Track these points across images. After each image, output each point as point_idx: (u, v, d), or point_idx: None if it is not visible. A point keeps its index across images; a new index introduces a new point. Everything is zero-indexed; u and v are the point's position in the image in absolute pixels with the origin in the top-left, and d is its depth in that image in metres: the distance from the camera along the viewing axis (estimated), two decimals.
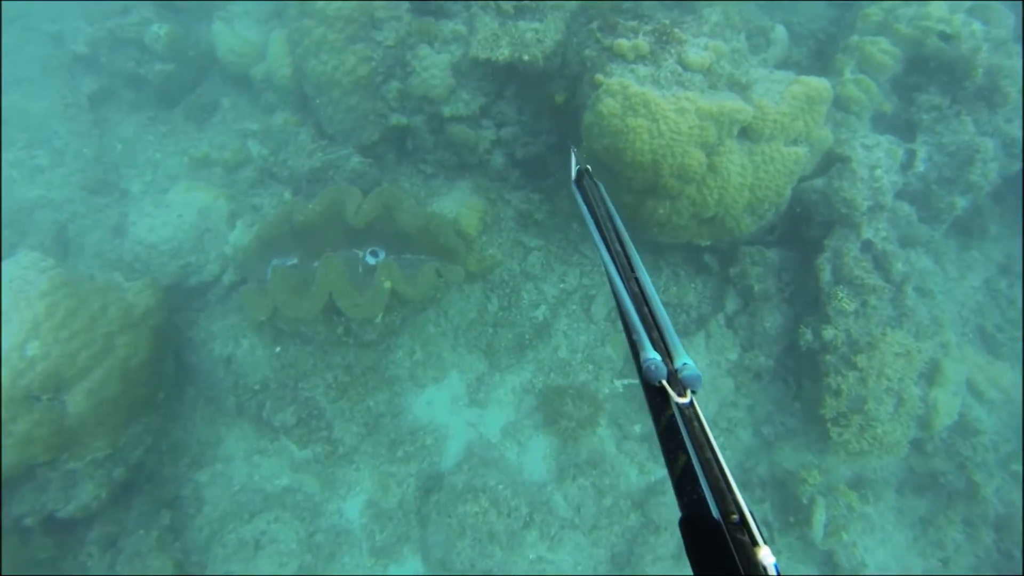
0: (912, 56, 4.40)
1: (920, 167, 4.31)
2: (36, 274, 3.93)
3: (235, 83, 5.89)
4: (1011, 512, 4.20)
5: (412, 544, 4.46)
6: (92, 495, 3.96)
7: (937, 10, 4.28)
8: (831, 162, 4.22)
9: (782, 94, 3.98)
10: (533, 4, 4.63)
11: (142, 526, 4.16)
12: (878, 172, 4.05)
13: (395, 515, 4.53)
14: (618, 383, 4.96)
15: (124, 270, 4.89)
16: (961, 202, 4.39)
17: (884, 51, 4.38)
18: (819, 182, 4.19)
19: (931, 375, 4.18)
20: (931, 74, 4.39)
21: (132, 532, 4.10)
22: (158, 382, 4.42)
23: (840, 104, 4.45)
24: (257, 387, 4.86)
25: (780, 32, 4.99)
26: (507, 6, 4.53)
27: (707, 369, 4.59)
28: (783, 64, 5.03)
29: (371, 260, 4.84)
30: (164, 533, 4.14)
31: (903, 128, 4.49)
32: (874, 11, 4.60)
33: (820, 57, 4.98)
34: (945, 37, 4.08)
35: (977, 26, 4.13)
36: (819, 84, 3.95)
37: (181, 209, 5.05)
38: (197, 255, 5.10)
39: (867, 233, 4.09)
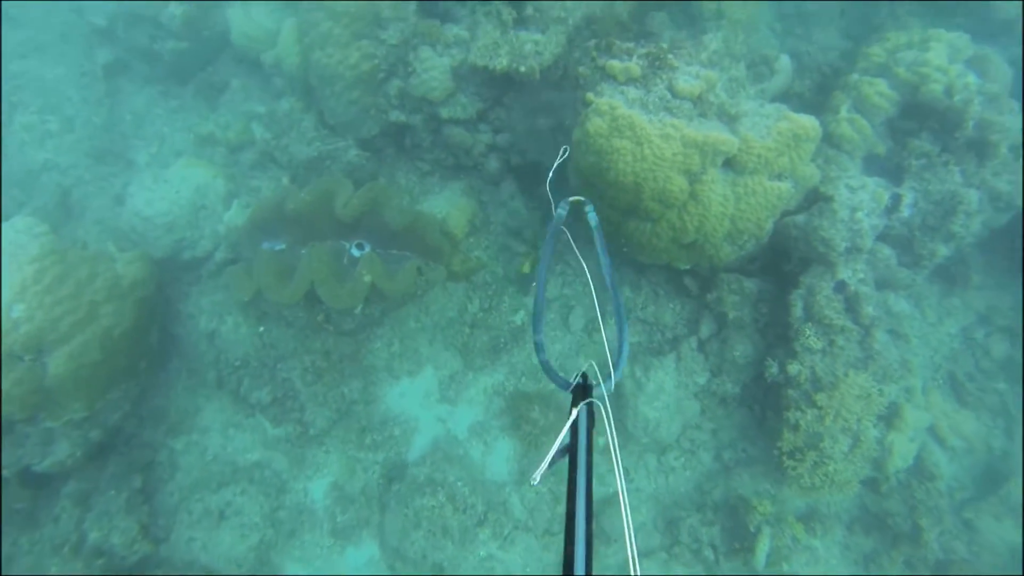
0: (908, 101, 4.39)
1: (905, 212, 4.31)
2: (29, 239, 4.08)
3: (246, 65, 5.98)
4: (949, 559, 4.23)
5: (371, 529, 4.59)
6: (67, 453, 4.13)
7: (936, 58, 4.26)
8: (815, 199, 4.23)
9: (769, 129, 4.00)
10: (537, 15, 4.67)
11: (114, 487, 4.33)
12: (859, 215, 4.06)
13: (358, 500, 4.66)
14: None
15: (119, 240, 5.03)
16: (943, 250, 4.38)
17: (881, 93, 4.37)
18: (800, 218, 4.21)
19: (891, 419, 4.21)
20: (924, 120, 4.37)
21: (104, 492, 4.27)
22: (140, 352, 4.57)
23: (832, 141, 4.46)
24: (238, 363, 4.99)
25: (784, 63, 4.98)
26: (507, 16, 4.57)
27: (674, 391, 4.65)
28: (784, 95, 5.02)
29: (356, 252, 4.93)
30: (134, 495, 4.31)
31: (894, 171, 4.48)
32: (876, 51, 4.58)
33: (823, 91, 4.97)
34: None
35: (972, 78, 4.10)
36: (807, 123, 3.96)
37: (179, 185, 5.18)
38: (192, 231, 5.22)
39: (842, 274, 4.11)
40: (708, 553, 4.35)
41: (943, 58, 4.25)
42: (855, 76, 4.63)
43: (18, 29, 5.66)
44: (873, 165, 4.55)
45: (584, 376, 1.78)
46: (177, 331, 5.11)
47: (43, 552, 4.09)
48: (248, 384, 4.89)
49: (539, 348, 2.05)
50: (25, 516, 4.17)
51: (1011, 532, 4.25)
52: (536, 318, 2.12)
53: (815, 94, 5.04)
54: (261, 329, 5.08)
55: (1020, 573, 4.13)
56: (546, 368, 1.95)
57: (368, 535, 4.50)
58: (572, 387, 1.83)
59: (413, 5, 5.01)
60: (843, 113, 4.49)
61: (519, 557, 4.40)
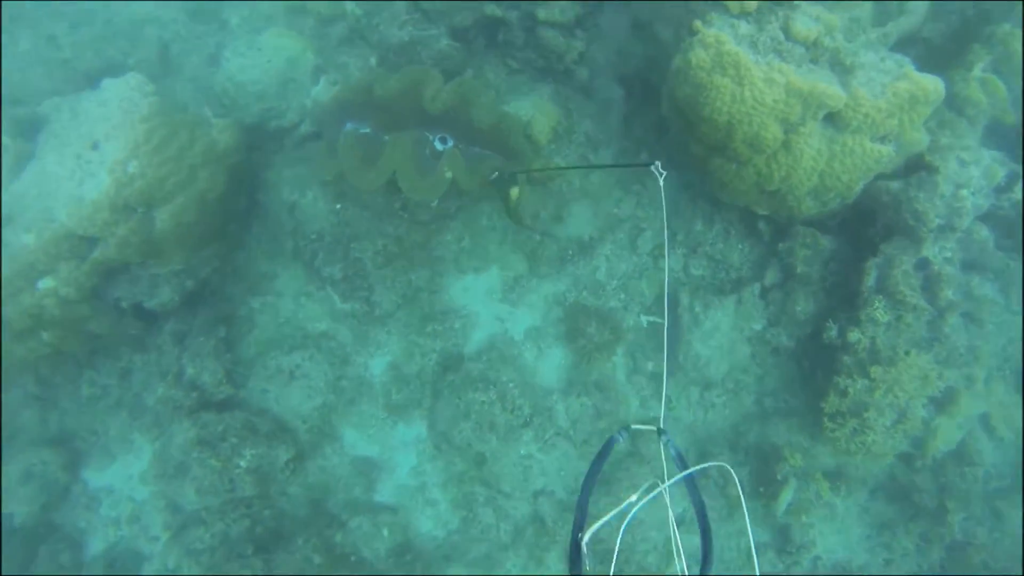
0: None
1: (1018, 194, 4.33)
2: (140, 97, 4.68)
3: None
4: (968, 543, 4.69)
5: (422, 410, 5.38)
6: (168, 297, 4.98)
7: None
8: (917, 167, 4.29)
9: (885, 87, 4.02)
10: None
11: (203, 333, 5.21)
12: (963, 192, 4.13)
13: (413, 381, 5.42)
14: (644, 319, 5.50)
15: (213, 103, 5.57)
16: None
17: None
18: (895, 185, 4.31)
19: (944, 403, 4.50)
20: None
21: (196, 336, 5.17)
22: (230, 215, 5.27)
23: (954, 103, 4.41)
24: (314, 236, 5.64)
25: (919, 2, 4.76)
26: None
27: (729, 332, 5.05)
28: (910, 38, 4.84)
29: (439, 146, 5.32)
30: (219, 343, 5.19)
31: (1018, 145, 4.43)
32: None
33: (958, 39, 4.76)
34: None
35: None
36: (930, 85, 3.96)
37: (272, 55, 5.59)
38: (280, 101, 5.70)
39: (929, 251, 4.26)
40: (732, 490, 4.95)
41: None
42: (1006, 27, 4.45)
43: None
44: (995, 135, 4.49)
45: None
46: (260, 198, 5.76)
47: (152, 373, 5.20)
48: (322, 258, 5.54)
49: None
50: (137, 341, 5.22)
51: None
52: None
53: (947, 41, 4.83)
54: (338, 206, 5.65)
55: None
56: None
57: (419, 416, 5.29)
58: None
59: None
60: (976, 71, 4.39)
61: (556, 462, 5.13)
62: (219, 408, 5.05)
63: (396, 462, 5.31)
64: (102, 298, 4.78)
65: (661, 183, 3.29)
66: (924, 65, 4.64)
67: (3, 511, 5.08)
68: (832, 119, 4.11)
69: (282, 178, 5.72)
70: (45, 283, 4.40)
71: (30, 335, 4.56)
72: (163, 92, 5.06)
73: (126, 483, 5.31)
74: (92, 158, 4.40)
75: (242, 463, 4.84)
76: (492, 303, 5.61)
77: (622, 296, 5.52)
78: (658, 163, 3.27)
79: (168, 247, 4.75)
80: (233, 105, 5.64)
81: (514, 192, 5.02)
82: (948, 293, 4.24)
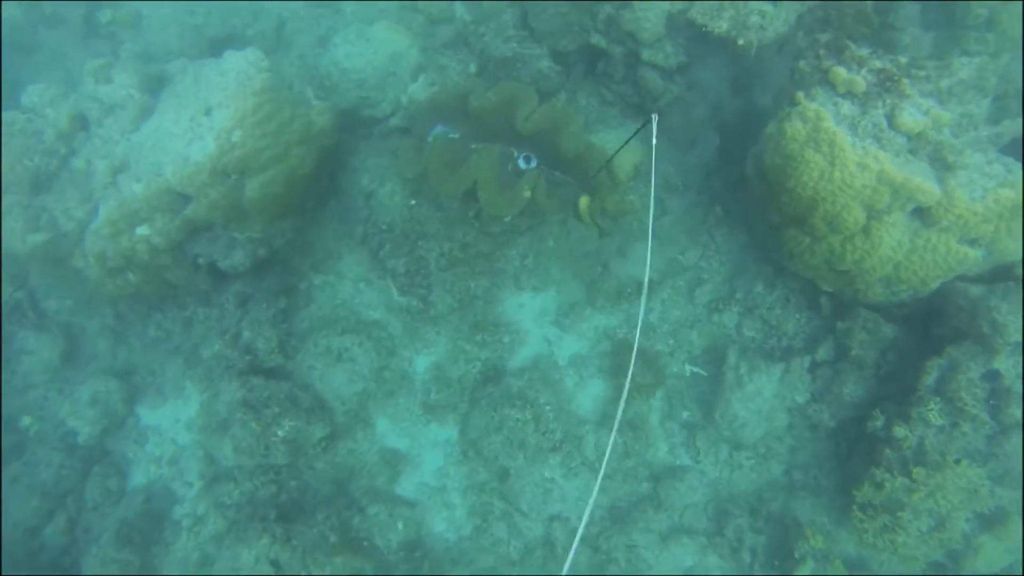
0: None
1: None
2: (255, 71, 4.94)
3: None
4: None
5: (456, 415, 5.53)
6: (240, 260, 5.23)
7: None
8: (1005, 276, 4.22)
9: (987, 190, 3.98)
10: None
11: (265, 300, 5.47)
12: None
13: (453, 385, 5.57)
14: (688, 368, 5.54)
15: (315, 83, 5.83)
16: None
17: None
18: (976, 290, 4.25)
19: (992, 522, 4.39)
20: None
21: (258, 302, 5.43)
22: (312, 193, 5.52)
23: None
24: (384, 227, 5.84)
25: None
26: None
27: (770, 399, 5.05)
28: None
29: (522, 164, 5.45)
30: (278, 313, 5.44)
31: None
32: None
33: None
34: None
35: None
36: None
37: (379, 47, 5.82)
38: (377, 92, 5.92)
39: (1000, 364, 4.18)
40: (746, 556, 4.96)
41: None
42: None
43: None
44: None
45: None
46: (340, 180, 5.99)
47: (211, 328, 5.50)
48: (388, 249, 5.73)
49: None
50: (203, 295, 5.55)
51: None
52: None
53: None
54: (413, 203, 5.84)
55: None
56: None
57: (453, 419, 5.44)
58: None
59: None
60: None
61: (576, 490, 5.22)
62: (267, 375, 5.29)
63: (423, 460, 5.47)
64: (184, 251, 5.07)
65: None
66: None
67: (72, 428, 5.53)
68: (921, 213, 4.09)
69: (365, 165, 5.94)
70: (142, 230, 4.71)
71: (119, 273, 4.90)
72: (273, 67, 5.34)
73: (172, 426, 5.62)
74: (203, 122, 4.68)
75: (280, 432, 5.06)
76: (544, 324, 5.72)
77: (671, 342, 5.57)
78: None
79: (251, 215, 5.00)
80: (333, 88, 5.89)
81: (583, 201, 5.12)
82: (1016, 412, 4.16)
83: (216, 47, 6.16)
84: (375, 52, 5.91)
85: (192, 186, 4.64)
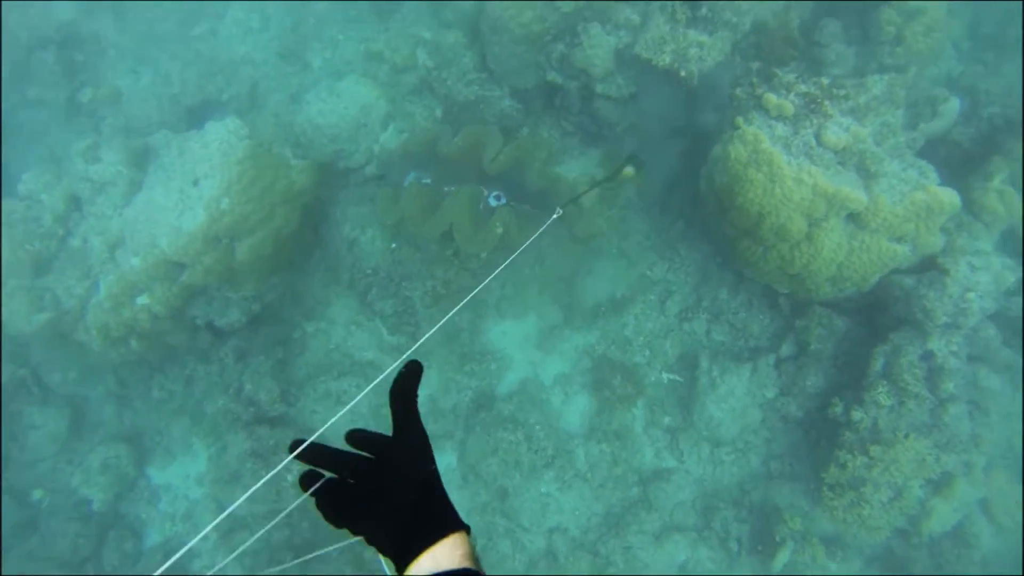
0: None
1: None
2: (236, 140, 5.30)
3: None
4: None
5: (454, 443, 5.88)
6: (236, 317, 5.57)
7: None
8: (931, 266, 4.71)
9: (904, 194, 4.46)
10: (709, 16, 5.12)
11: (263, 352, 5.80)
12: (971, 295, 4.53)
13: (447, 415, 5.92)
14: (665, 376, 5.95)
15: (291, 142, 6.20)
16: None
17: None
18: (908, 280, 4.72)
19: (940, 486, 4.86)
20: None
21: (256, 354, 5.75)
22: (298, 247, 5.86)
23: (972, 209, 4.82)
24: (369, 272, 6.21)
25: (951, 107, 5.20)
26: (681, 16, 5.06)
27: (743, 397, 5.47)
28: (940, 140, 5.27)
29: (493, 202, 5.86)
30: (277, 364, 5.77)
31: None
32: None
33: (986, 143, 5.17)
34: None
35: None
36: (945, 197, 4.39)
37: (348, 101, 6.22)
38: (350, 144, 6.31)
39: (934, 345, 4.66)
40: (733, 545, 5.35)
41: None
42: None
43: None
44: (1009, 241, 4.89)
45: None
46: (322, 231, 6.35)
47: (213, 384, 5.81)
48: (376, 293, 6.10)
49: None
50: (203, 353, 5.83)
51: None
52: None
53: (975, 145, 5.26)
54: (394, 246, 6.22)
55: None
56: None
57: (450, 447, 5.79)
58: None
59: None
60: (995, 183, 4.80)
61: (572, 501, 5.59)
62: (272, 424, 5.61)
63: None
64: (183, 315, 5.39)
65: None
66: (950, 167, 5.10)
67: (85, 496, 5.75)
68: (854, 218, 4.56)
69: (345, 215, 6.31)
70: (142, 300, 5.03)
71: (122, 342, 5.19)
72: (251, 129, 5.70)
73: (183, 483, 5.90)
74: (192, 193, 5.03)
75: (289, 477, 5.36)
76: (527, 348, 6.11)
77: (647, 353, 5.98)
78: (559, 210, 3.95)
79: (243, 275, 5.34)
80: (309, 144, 6.26)
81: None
82: (950, 386, 4.63)
83: (194, 114, 6.53)
84: (345, 106, 6.31)
85: (187, 255, 4.98)
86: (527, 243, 3.54)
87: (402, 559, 1.23)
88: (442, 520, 1.27)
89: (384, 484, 1.30)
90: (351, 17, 6.93)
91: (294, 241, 5.68)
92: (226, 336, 5.83)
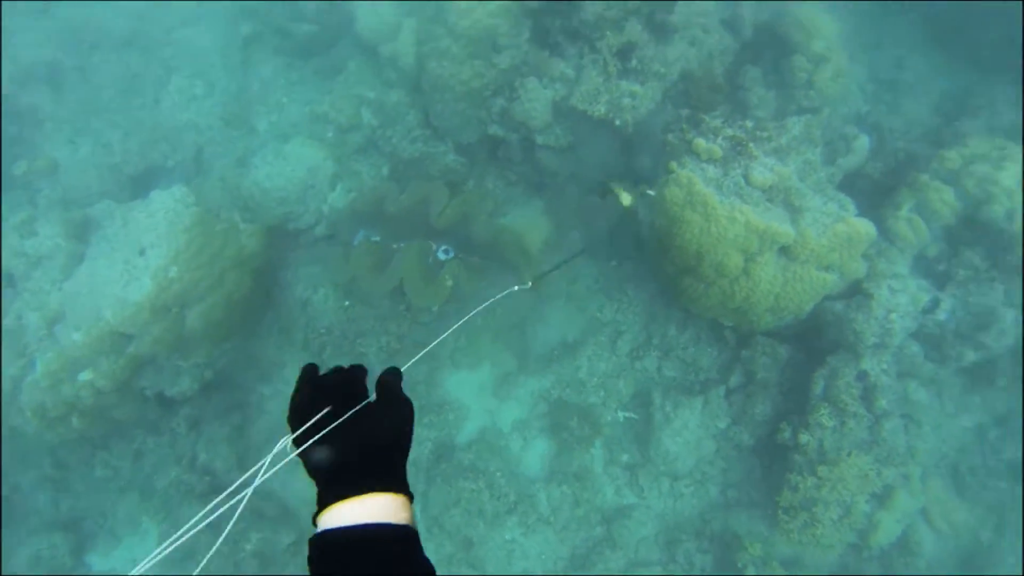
0: (970, 213, 5.02)
1: (941, 316, 5.03)
2: (183, 208, 5.24)
3: (364, 50, 6.89)
4: None
5: (416, 496, 5.75)
6: (188, 386, 5.39)
7: (1007, 179, 4.86)
8: (857, 291, 4.99)
9: (827, 228, 4.75)
10: (639, 67, 5.41)
11: (217, 419, 5.62)
12: (893, 316, 4.81)
13: (408, 468, 5.82)
14: (621, 414, 6.03)
15: (240, 206, 6.16)
16: (971, 356, 5.10)
17: (945, 201, 5.02)
18: (839, 306, 4.99)
19: (884, 499, 5.06)
20: (980, 235, 5.01)
21: (210, 422, 5.57)
22: (250, 311, 5.77)
23: (888, 235, 5.15)
24: (323, 331, 6.14)
25: (862, 144, 5.60)
26: (612, 68, 5.34)
27: (696, 429, 5.59)
28: (856, 173, 5.65)
29: (442, 256, 5.94)
30: (233, 430, 5.60)
31: (940, 275, 5.17)
32: (952, 156, 5.18)
33: (895, 175, 5.57)
34: None
35: None
36: (863, 228, 4.70)
37: (295, 163, 6.24)
38: (299, 206, 6.31)
39: (867, 364, 4.91)
40: None
41: (1013, 181, 4.86)
42: (925, 177, 5.25)
43: None
44: (921, 264, 5.23)
45: None
46: (274, 292, 6.28)
47: (166, 456, 5.55)
48: (330, 352, 6.03)
49: None
50: (152, 425, 5.61)
51: None
52: None
53: (886, 177, 5.66)
54: (347, 304, 6.19)
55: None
56: None
57: (414, 501, 5.68)
58: None
59: (527, 34, 5.81)
60: (903, 212, 5.16)
61: (537, 546, 5.54)
62: (230, 493, 5.40)
63: None
64: (130, 387, 5.20)
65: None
66: (867, 197, 5.47)
67: None
68: (785, 251, 4.81)
69: (297, 276, 6.27)
70: (85, 375, 4.83)
71: (62, 422, 4.94)
72: (197, 194, 5.64)
73: (129, 567, 5.56)
74: (139, 263, 4.91)
75: (248, 546, 5.16)
76: (484, 397, 6.11)
77: (601, 393, 6.06)
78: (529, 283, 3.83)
79: (194, 342, 5.21)
80: (257, 208, 6.23)
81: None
82: (883, 402, 4.87)
83: (138, 183, 6.41)
84: (293, 168, 6.32)
85: (135, 325, 4.84)
86: (488, 303, 3.57)
87: (328, 495, 1.19)
88: (387, 476, 1.23)
89: (358, 425, 1.28)
90: (295, 80, 7.02)
91: (246, 305, 5.59)
92: (177, 405, 5.63)
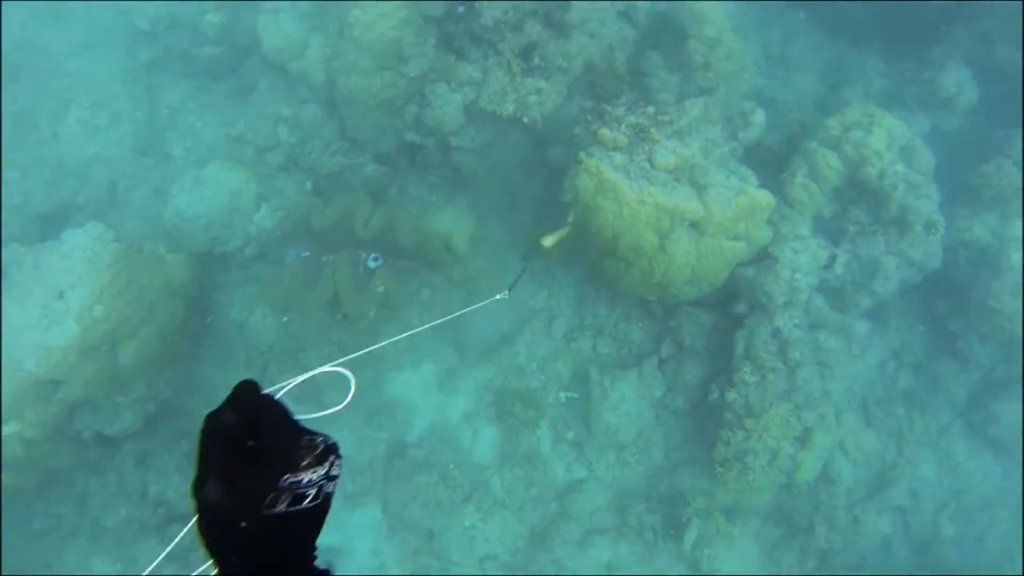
0: (852, 175, 5.45)
1: (839, 270, 5.46)
2: (102, 246, 5.09)
3: (274, 69, 6.81)
4: (832, 550, 5.64)
5: (375, 496, 5.85)
6: (130, 422, 5.28)
7: (877, 143, 5.29)
8: (765, 256, 5.36)
9: (730, 200, 5.07)
10: (542, 64, 5.60)
11: (166, 449, 5.53)
12: (797, 275, 5.20)
13: (365, 471, 5.90)
14: (563, 395, 6.26)
15: (163, 236, 6.01)
16: (867, 302, 5.56)
17: (831, 166, 5.43)
18: (750, 271, 5.34)
19: (804, 440, 5.47)
20: (862, 193, 5.46)
21: (158, 454, 5.47)
22: (187, 339, 5.67)
23: (788, 201, 5.53)
24: (265, 349, 6.10)
25: (759, 117, 5.95)
26: (516, 68, 5.51)
27: (635, 400, 5.88)
28: (756, 145, 6.02)
29: (372, 264, 5.98)
30: (183, 459, 5.50)
31: (836, 232, 5.60)
32: (833, 124, 5.60)
33: (790, 145, 5.97)
34: None
35: (901, 167, 5.19)
36: (763, 198, 5.04)
37: (216, 188, 6.13)
38: (225, 230, 6.20)
39: (779, 322, 5.28)
40: (649, 535, 5.70)
41: (882, 144, 5.29)
42: (813, 145, 5.65)
43: (68, 26, 6.46)
44: (820, 224, 5.65)
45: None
46: (210, 317, 6.18)
47: (112, 495, 5.39)
48: (273, 368, 6.01)
49: None
50: (94, 465, 5.44)
51: (885, 525, 5.73)
52: None
53: (783, 147, 6.05)
54: (285, 319, 6.17)
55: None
56: None
57: (373, 500, 5.77)
58: None
59: (432, 40, 5.90)
60: (799, 178, 5.55)
61: (496, 528, 5.72)
62: (185, 520, 5.33)
63: (355, 547, 5.73)
64: (64, 433, 5.04)
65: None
66: (768, 167, 5.83)
67: None
68: (696, 226, 5.10)
69: (232, 298, 6.19)
70: (9, 428, 4.63)
71: None
72: (116, 229, 5.46)
73: None
74: (58, 307, 4.76)
75: (212, 572, 5.11)
76: (430, 393, 6.22)
77: (542, 377, 6.27)
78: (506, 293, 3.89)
79: (131, 378, 5.10)
80: (182, 236, 6.09)
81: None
82: (796, 354, 5.26)
83: (47, 223, 6.11)
84: (214, 193, 6.19)
85: (61, 371, 4.69)
86: (470, 309, 3.68)
87: None
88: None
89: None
90: (206, 103, 6.86)
91: (181, 333, 5.50)
92: (119, 442, 5.47)
